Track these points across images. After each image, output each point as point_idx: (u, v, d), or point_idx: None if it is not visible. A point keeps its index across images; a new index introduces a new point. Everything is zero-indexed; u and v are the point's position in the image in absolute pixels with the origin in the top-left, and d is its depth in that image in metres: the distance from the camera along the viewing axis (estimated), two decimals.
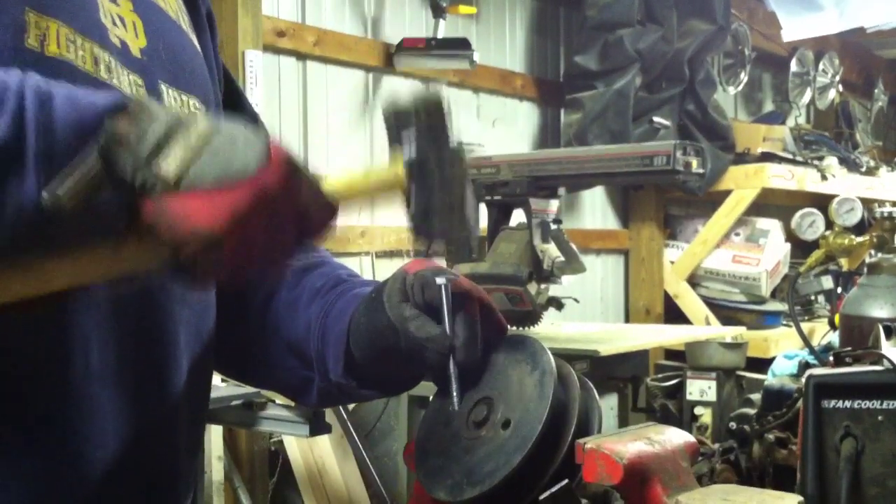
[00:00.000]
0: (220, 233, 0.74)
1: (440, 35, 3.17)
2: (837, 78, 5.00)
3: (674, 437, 0.93)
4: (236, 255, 0.76)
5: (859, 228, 3.71)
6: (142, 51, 0.96)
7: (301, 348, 1.06)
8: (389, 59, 3.17)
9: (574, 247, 2.23)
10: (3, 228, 0.75)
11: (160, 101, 0.96)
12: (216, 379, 2.03)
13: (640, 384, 3.19)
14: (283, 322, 1.08)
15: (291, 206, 0.78)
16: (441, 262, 1.01)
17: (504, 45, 3.77)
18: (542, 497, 0.86)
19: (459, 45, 3.14)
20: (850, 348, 1.60)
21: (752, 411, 1.99)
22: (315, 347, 1.04)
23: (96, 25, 0.91)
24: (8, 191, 0.74)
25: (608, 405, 3.91)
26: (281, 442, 2.81)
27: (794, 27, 4.00)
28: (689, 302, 4.11)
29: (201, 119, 0.77)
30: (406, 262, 1.03)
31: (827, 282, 4.29)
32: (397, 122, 0.89)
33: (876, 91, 5.57)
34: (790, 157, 4.29)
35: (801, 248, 4.29)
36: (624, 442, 0.88)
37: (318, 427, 2.23)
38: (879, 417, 1.24)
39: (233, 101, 1.18)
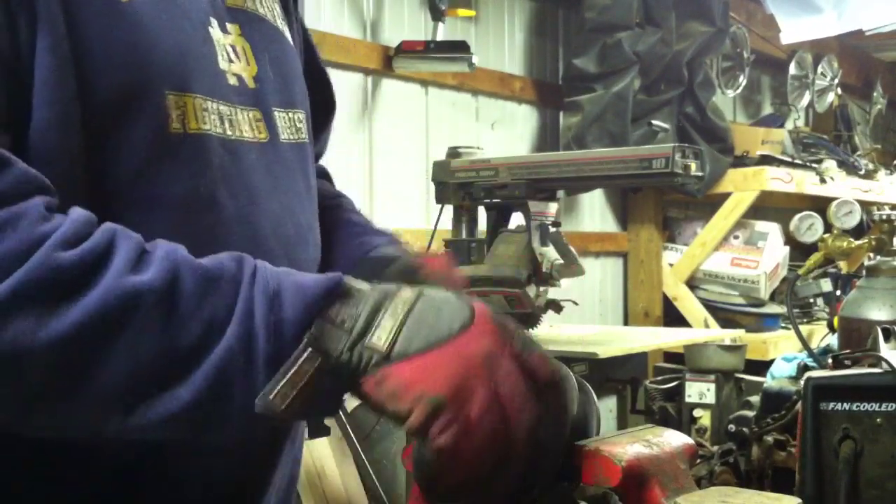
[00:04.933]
0: (441, 394, 0.75)
1: (439, 38, 3.17)
2: (836, 81, 5.00)
3: (672, 440, 0.93)
4: (461, 417, 0.75)
5: (858, 231, 3.72)
6: (254, 78, 0.98)
7: None
8: (388, 61, 3.17)
9: (573, 249, 2.23)
10: (230, 427, 0.78)
11: (275, 127, 0.99)
12: None
13: (639, 386, 3.19)
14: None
15: (507, 360, 0.78)
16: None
17: (503, 48, 3.77)
18: (540, 499, 0.86)
19: (458, 48, 3.14)
20: (848, 351, 1.60)
21: (750, 413, 1.99)
22: None
23: (218, 78, 0.93)
24: (236, 395, 0.76)
25: (607, 407, 3.91)
26: None
27: (793, 30, 4.00)
28: (688, 304, 4.11)
29: (405, 289, 0.79)
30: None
31: (826, 284, 4.29)
32: None
33: (875, 94, 5.57)
34: (789, 159, 4.30)
35: (799, 250, 4.29)
36: (622, 444, 0.87)
37: (316, 429, 2.23)
38: (878, 420, 1.24)
39: (307, 57, 1.20)
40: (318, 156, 1.31)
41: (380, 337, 0.76)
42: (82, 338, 0.73)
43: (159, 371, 0.75)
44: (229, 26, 0.98)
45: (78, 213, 0.77)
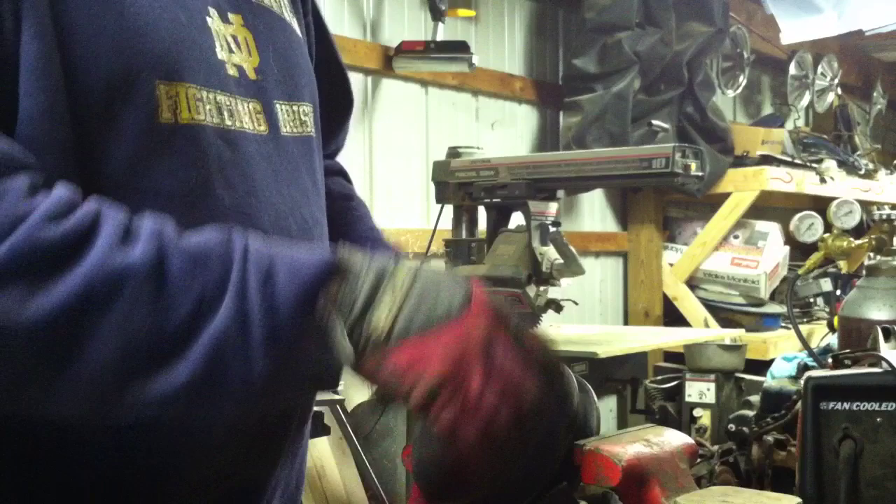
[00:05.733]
0: (439, 377, 0.75)
1: (439, 38, 3.17)
2: (836, 81, 5.00)
3: (672, 439, 0.93)
4: (461, 395, 0.76)
5: (858, 231, 3.71)
6: (256, 70, 0.97)
7: None
8: (388, 61, 3.17)
9: (573, 249, 2.23)
10: (229, 407, 0.78)
11: (276, 121, 0.98)
12: None
13: (639, 386, 3.19)
14: None
15: (504, 340, 0.78)
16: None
17: (503, 48, 3.77)
18: (540, 499, 0.86)
19: (458, 48, 3.14)
20: (848, 350, 1.60)
21: (750, 413, 1.99)
22: None
23: (215, 68, 0.92)
24: (232, 375, 0.75)
25: (607, 407, 3.91)
26: None
27: (793, 30, 4.00)
28: (688, 304, 4.11)
29: (403, 266, 0.79)
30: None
31: (826, 284, 4.29)
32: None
33: (874, 94, 5.57)
34: (789, 159, 4.30)
35: (799, 250, 4.29)
36: (623, 444, 0.88)
37: (316, 429, 2.23)
38: (878, 419, 1.24)
39: (323, 50, 1.20)
40: (335, 152, 1.30)
41: (379, 317, 0.77)
42: (68, 316, 0.72)
43: (151, 349, 0.74)
44: (231, 16, 0.97)
45: (61, 189, 0.77)
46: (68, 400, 0.76)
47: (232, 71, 0.94)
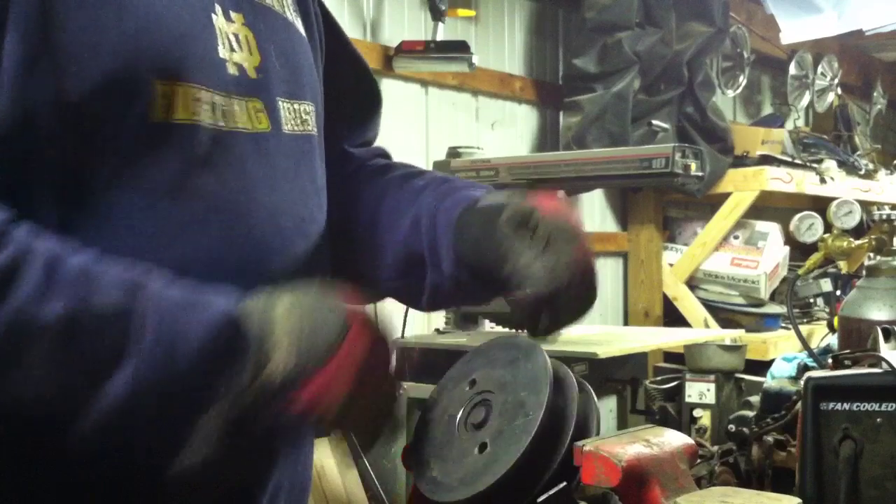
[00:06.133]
0: (339, 403, 0.82)
1: (439, 38, 3.17)
2: (836, 81, 4.99)
3: (672, 440, 0.93)
4: (354, 408, 0.85)
5: (858, 231, 3.71)
6: (257, 69, 0.97)
7: (410, 245, 1.08)
8: (388, 61, 3.17)
9: None
10: (148, 455, 0.83)
11: (278, 117, 0.99)
12: None
13: (639, 386, 3.18)
14: (389, 228, 1.11)
15: (381, 352, 0.86)
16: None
17: (503, 48, 3.77)
18: (539, 500, 0.86)
19: (458, 48, 3.14)
20: (848, 351, 1.60)
21: (750, 413, 1.99)
22: (428, 239, 1.06)
23: (215, 67, 0.92)
24: (137, 441, 0.83)
25: (607, 407, 3.91)
26: None
27: (793, 30, 4.00)
28: (688, 304, 4.11)
29: (282, 308, 0.82)
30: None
31: (826, 284, 4.29)
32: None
33: (875, 94, 5.57)
34: (789, 159, 4.29)
35: (799, 250, 4.29)
36: (622, 444, 0.88)
37: (316, 430, 2.23)
38: (878, 420, 1.24)
39: (335, 45, 1.19)
40: (371, 140, 1.29)
41: (276, 368, 0.80)
42: None
43: (60, 404, 0.78)
44: (233, 15, 0.96)
45: None
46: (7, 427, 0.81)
47: (232, 69, 0.94)
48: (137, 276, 0.81)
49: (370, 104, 1.28)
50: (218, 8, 0.94)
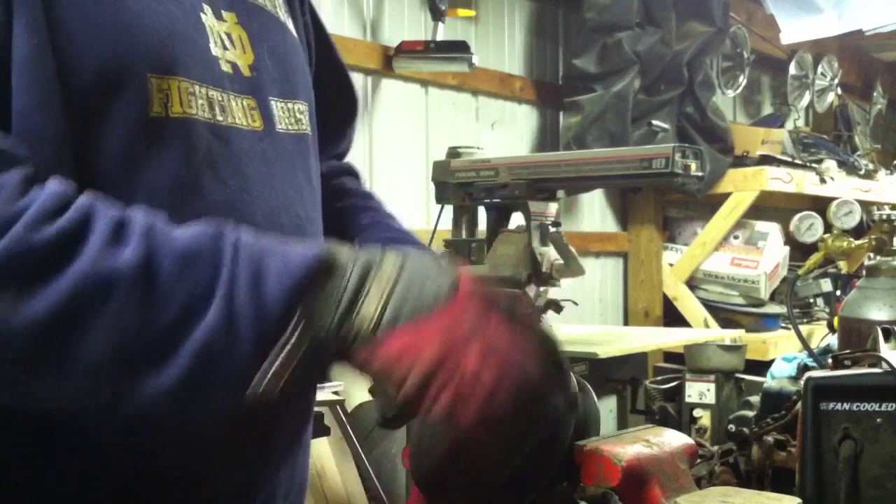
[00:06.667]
0: (432, 361, 0.76)
1: (439, 38, 3.17)
2: (836, 81, 4.99)
3: (672, 440, 0.93)
4: (454, 380, 0.76)
5: (858, 231, 3.71)
6: (250, 67, 0.97)
7: None
8: (388, 61, 3.17)
9: (573, 249, 2.23)
10: (218, 403, 0.79)
11: (271, 116, 0.98)
12: None
13: (639, 386, 3.19)
14: None
15: (496, 322, 0.78)
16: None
17: (503, 48, 3.77)
18: (539, 500, 0.86)
19: (458, 48, 3.14)
20: (848, 351, 1.60)
21: (750, 414, 1.99)
22: None
23: (209, 63, 0.92)
24: (221, 374, 0.77)
25: (607, 407, 3.91)
26: None
27: (793, 30, 4.00)
28: (688, 304, 4.11)
29: (389, 257, 0.80)
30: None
31: (826, 284, 4.29)
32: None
33: (874, 94, 5.57)
34: (789, 159, 4.29)
35: (799, 250, 4.29)
36: (623, 444, 0.88)
37: (316, 430, 2.23)
38: (878, 420, 1.24)
39: (322, 52, 1.20)
40: (343, 153, 1.29)
41: (367, 309, 0.77)
42: (59, 319, 0.73)
43: (141, 351, 0.75)
44: (225, 14, 0.97)
45: (54, 185, 0.77)
46: (59, 396, 0.77)
47: (226, 67, 0.94)
48: (216, 227, 0.80)
49: (347, 116, 1.28)
50: (207, 7, 0.94)
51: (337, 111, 1.21)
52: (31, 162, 0.78)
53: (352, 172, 1.29)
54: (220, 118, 0.91)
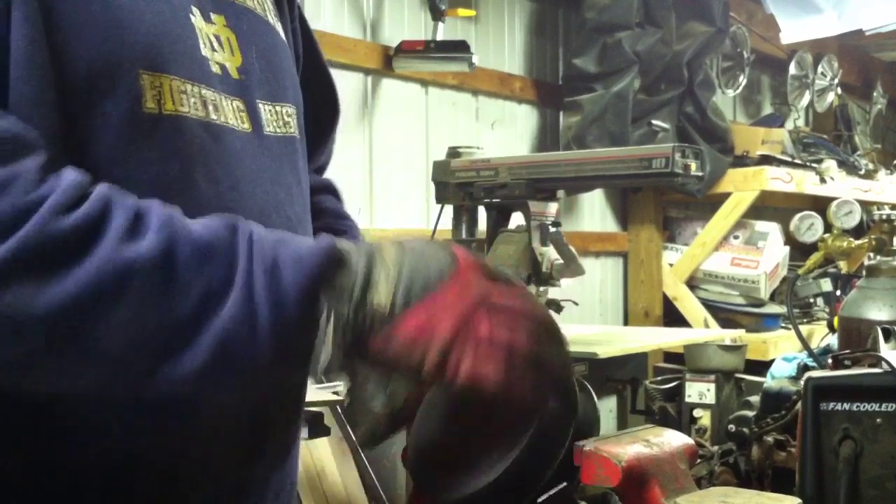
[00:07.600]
0: (450, 332, 0.78)
1: (439, 37, 3.17)
2: (836, 80, 5.00)
3: (673, 440, 0.93)
4: (472, 345, 0.79)
5: (858, 231, 3.71)
6: (239, 69, 0.98)
7: None
8: (388, 61, 3.17)
9: (573, 249, 2.23)
10: (236, 389, 0.82)
11: (259, 119, 0.99)
12: None
13: (639, 386, 3.19)
14: None
15: (498, 292, 0.81)
16: None
17: (503, 48, 3.77)
18: (540, 500, 0.86)
19: (458, 48, 3.14)
20: (848, 351, 1.60)
21: (750, 414, 1.99)
22: None
23: (199, 63, 0.92)
24: (239, 363, 0.78)
25: (607, 407, 3.91)
26: None
27: (793, 30, 4.00)
28: (688, 304, 4.11)
29: (388, 245, 0.82)
30: None
31: (826, 284, 4.29)
32: None
33: (875, 94, 5.57)
34: (789, 159, 4.29)
35: (799, 250, 4.29)
36: (623, 444, 0.88)
37: (316, 430, 2.23)
38: (878, 420, 1.24)
39: (311, 63, 1.21)
40: (323, 167, 1.30)
41: (379, 295, 0.79)
42: (78, 307, 0.74)
43: (160, 340, 0.76)
44: (213, 16, 0.97)
45: (71, 173, 0.78)
46: (79, 382, 0.79)
47: (215, 68, 0.94)
48: (229, 219, 0.82)
49: (329, 126, 1.29)
50: (195, 9, 0.94)
51: (321, 122, 1.21)
52: (46, 148, 0.78)
53: (331, 190, 1.29)
54: (213, 116, 0.92)
